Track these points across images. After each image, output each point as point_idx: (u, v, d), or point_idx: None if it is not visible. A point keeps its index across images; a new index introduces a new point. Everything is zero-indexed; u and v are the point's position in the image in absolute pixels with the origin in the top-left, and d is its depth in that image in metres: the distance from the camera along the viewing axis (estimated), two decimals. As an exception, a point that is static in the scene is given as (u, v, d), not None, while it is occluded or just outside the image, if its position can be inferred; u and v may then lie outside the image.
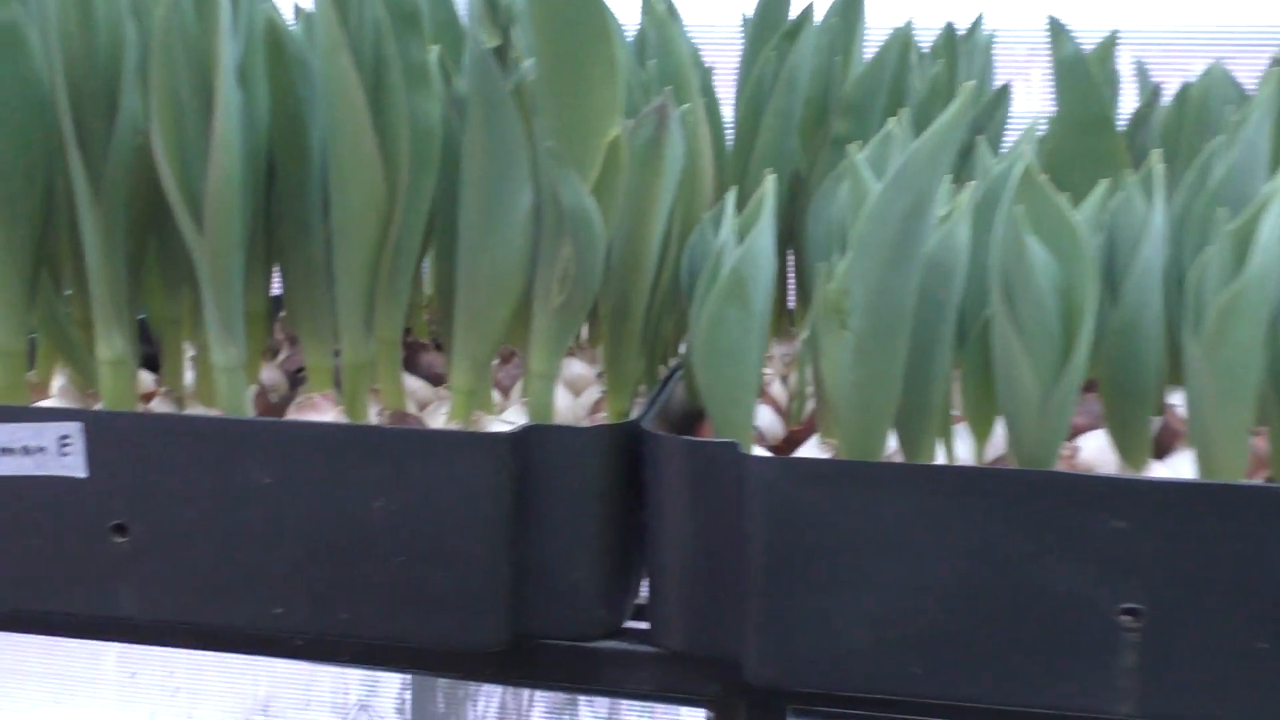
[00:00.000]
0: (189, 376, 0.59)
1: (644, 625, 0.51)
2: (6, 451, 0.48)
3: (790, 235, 0.69)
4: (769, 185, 0.49)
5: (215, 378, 0.48)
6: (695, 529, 0.46)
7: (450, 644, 0.48)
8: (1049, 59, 0.71)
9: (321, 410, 0.55)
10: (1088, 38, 0.72)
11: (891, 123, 0.51)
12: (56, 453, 0.48)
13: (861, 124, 0.66)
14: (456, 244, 0.49)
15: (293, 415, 0.54)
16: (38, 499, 0.49)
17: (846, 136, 0.66)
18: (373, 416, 0.55)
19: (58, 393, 0.57)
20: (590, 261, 0.46)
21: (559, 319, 0.47)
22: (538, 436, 0.47)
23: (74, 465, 0.48)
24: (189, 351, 0.59)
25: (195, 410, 0.54)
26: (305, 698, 1.59)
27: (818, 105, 0.69)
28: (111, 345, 0.49)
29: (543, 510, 0.47)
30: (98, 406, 0.53)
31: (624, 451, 0.49)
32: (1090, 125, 0.67)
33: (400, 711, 1.54)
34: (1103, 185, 0.50)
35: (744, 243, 0.47)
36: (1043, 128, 0.69)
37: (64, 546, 0.49)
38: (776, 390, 0.64)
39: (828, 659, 0.45)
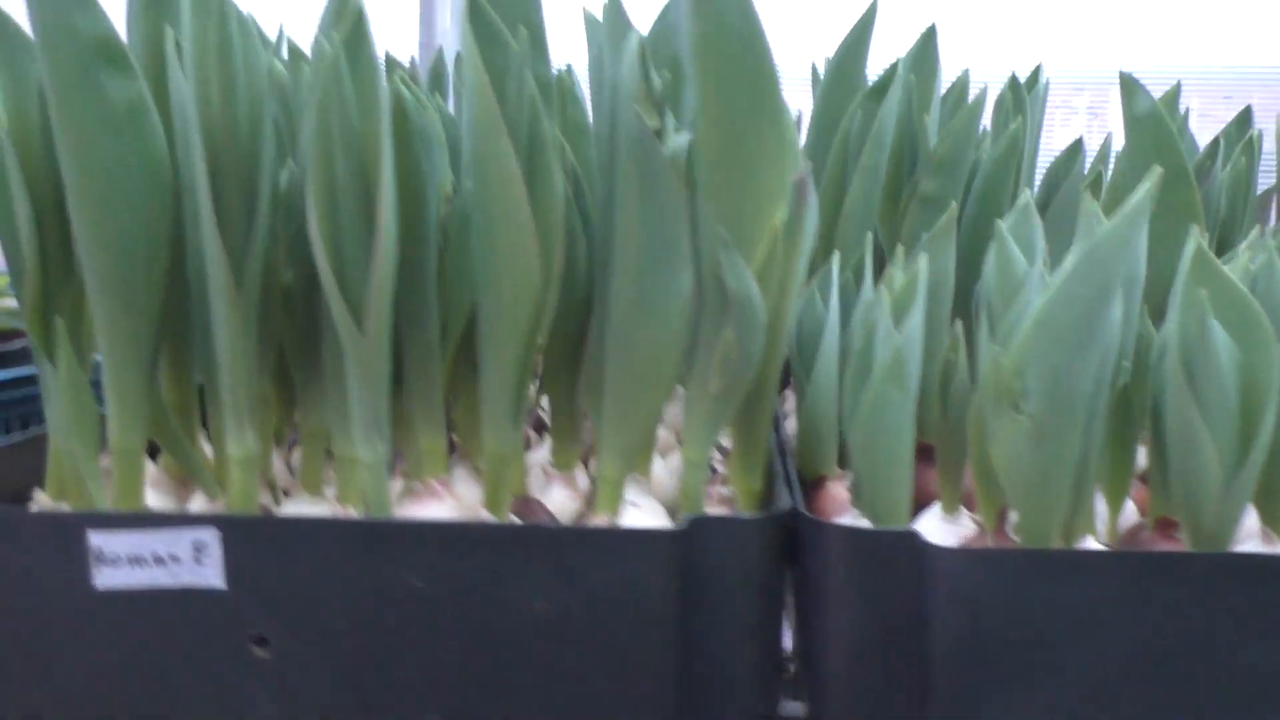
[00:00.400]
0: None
1: (795, 713, 0.50)
2: (137, 560, 0.46)
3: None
4: (923, 266, 0.48)
5: (359, 475, 0.46)
6: (865, 619, 0.45)
7: (614, 747, 0.46)
8: (1094, 97, 0.72)
9: (440, 498, 0.53)
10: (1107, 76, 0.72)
11: (1025, 195, 0.51)
12: (192, 561, 0.46)
13: (951, 181, 0.66)
14: (603, 328, 0.47)
15: (406, 506, 0.52)
16: (172, 612, 0.46)
17: (936, 195, 0.66)
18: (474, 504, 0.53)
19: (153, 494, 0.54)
20: (752, 346, 0.45)
21: (716, 405, 0.46)
22: (702, 529, 0.45)
23: (211, 575, 0.46)
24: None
25: (310, 508, 0.52)
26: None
27: (899, 161, 0.69)
28: (242, 442, 0.47)
29: (706, 604, 0.46)
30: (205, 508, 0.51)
31: (782, 540, 0.47)
32: (1168, 179, 0.68)
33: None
34: (1244, 250, 0.50)
35: (904, 326, 0.46)
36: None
37: (200, 660, 0.46)
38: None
39: (1014, 749, 0.44)
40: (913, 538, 0.44)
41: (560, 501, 0.56)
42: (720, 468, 0.61)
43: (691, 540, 0.45)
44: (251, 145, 0.44)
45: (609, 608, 0.45)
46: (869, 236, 0.61)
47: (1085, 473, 0.45)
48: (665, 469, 0.61)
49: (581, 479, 0.59)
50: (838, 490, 0.58)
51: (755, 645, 0.47)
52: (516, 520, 0.51)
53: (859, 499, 0.54)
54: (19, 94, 0.49)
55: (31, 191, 0.48)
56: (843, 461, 0.60)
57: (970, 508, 0.56)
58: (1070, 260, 0.42)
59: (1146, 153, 0.68)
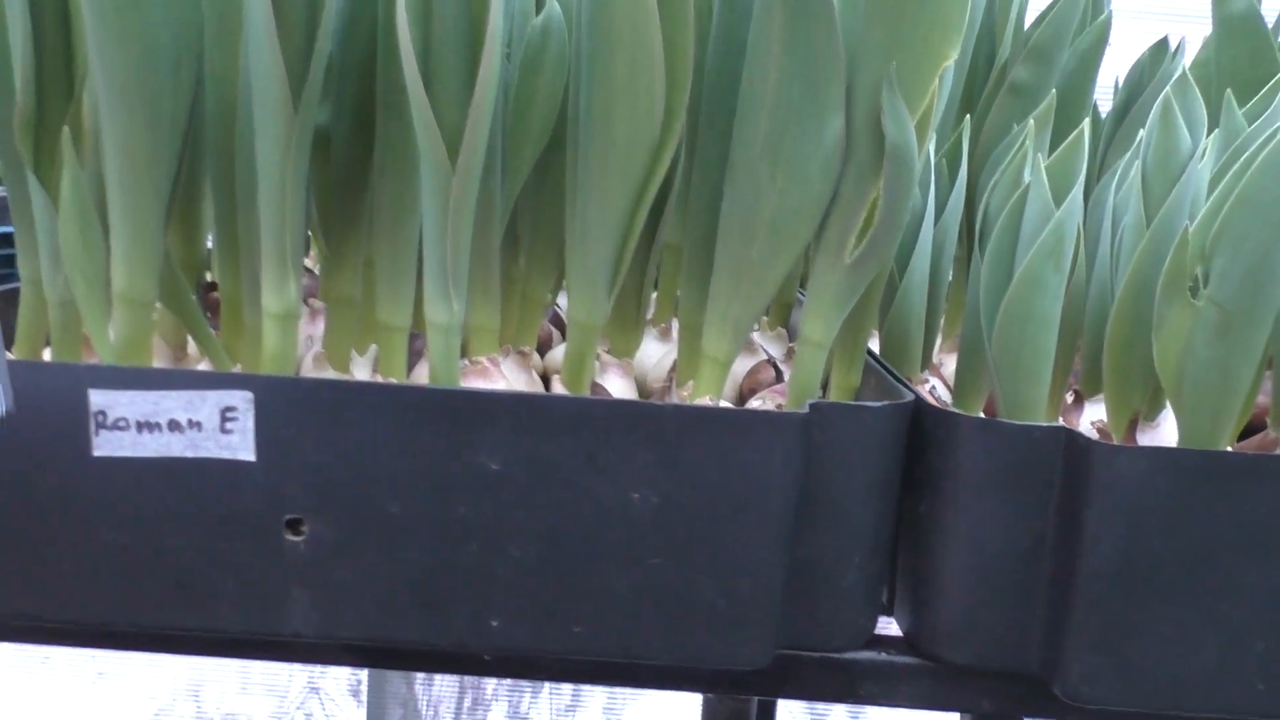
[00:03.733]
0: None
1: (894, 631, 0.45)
2: (150, 427, 0.38)
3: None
4: (1084, 132, 0.42)
5: (430, 337, 0.39)
6: (1001, 525, 0.40)
7: (710, 662, 0.40)
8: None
9: (493, 379, 0.46)
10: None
11: (1182, 68, 0.45)
12: (217, 429, 0.38)
13: (1047, 70, 0.60)
14: (710, 183, 0.41)
15: (460, 383, 0.44)
16: (190, 487, 0.38)
17: (1029, 83, 0.61)
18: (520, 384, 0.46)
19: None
20: (899, 210, 0.39)
21: (849, 277, 0.40)
22: (825, 416, 0.39)
23: (239, 445, 0.38)
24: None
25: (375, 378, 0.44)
26: (240, 680, 1.46)
27: (985, 47, 0.63)
28: (284, 295, 0.39)
29: (823, 502, 0.40)
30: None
31: (904, 434, 0.42)
32: (1258, 81, 0.63)
33: (355, 693, 1.43)
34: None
35: (1067, 200, 0.40)
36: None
37: (220, 547, 0.39)
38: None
39: (1166, 675, 0.39)
40: (1071, 435, 0.39)
41: (620, 391, 0.49)
42: (784, 367, 0.55)
43: (812, 428, 0.39)
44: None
45: (718, 501, 0.38)
46: (966, 120, 0.55)
47: (1260, 372, 0.40)
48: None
49: (641, 367, 0.52)
50: (924, 394, 0.52)
51: (868, 558, 0.41)
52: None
53: (964, 396, 0.48)
54: None
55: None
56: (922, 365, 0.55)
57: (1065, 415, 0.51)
58: (1287, 123, 0.36)
59: (1238, 58, 0.63)
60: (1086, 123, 0.42)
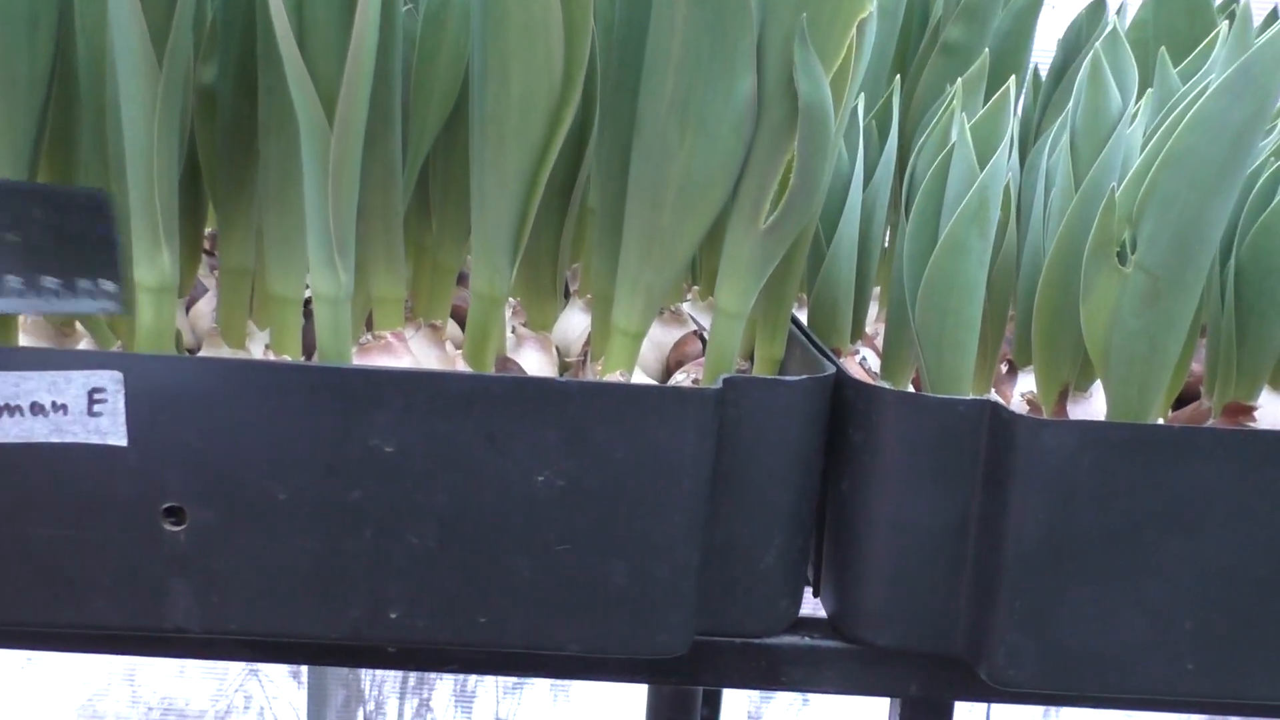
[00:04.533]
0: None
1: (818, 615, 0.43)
2: (10, 410, 0.35)
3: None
4: (1010, 91, 0.40)
5: (316, 310, 0.36)
6: (925, 502, 0.38)
7: (624, 650, 0.38)
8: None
9: (398, 355, 0.43)
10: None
11: (1113, 21, 0.44)
12: (84, 412, 0.35)
13: (979, 29, 0.58)
14: (619, 145, 0.38)
15: (360, 360, 0.42)
16: (57, 474, 0.35)
17: (961, 43, 0.59)
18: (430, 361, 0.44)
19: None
20: (816, 172, 0.37)
21: (764, 244, 0.38)
22: (739, 391, 0.37)
23: (108, 429, 0.35)
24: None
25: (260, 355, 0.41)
26: (177, 665, 1.42)
27: (919, 6, 0.61)
28: (157, 266, 0.36)
29: (737, 481, 0.38)
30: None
31: (824, 410, 0.40)
32: (1195, 41, 0.62)
33: (295, 675, 1.40)
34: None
35: (991, 162, 0.38)
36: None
37: (93, 538, 0.36)
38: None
39: (1093, 656, 0.38)
40: (996, 408, 0.37)
41: (536, 366, 0.47)
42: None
43: (727, 404, 0.37)
44: None
45: (628, 482, 0.36)
46: (896, 80, 0.53)
47: (1190, 342, 0.39)
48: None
49: (564, 340, 0.50)
50: (852, 366, 0.50)
51: (788, 538, 0.39)
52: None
53: (891, 369, 0.46)
54: None
55: None
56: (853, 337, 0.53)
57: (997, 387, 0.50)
58: (1219, 81, 0.34)
59: (1175, 17, 0.62)
60: (1012, 80, 0.41)
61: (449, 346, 0.47)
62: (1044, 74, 0.66)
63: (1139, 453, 0.36)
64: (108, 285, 0.36)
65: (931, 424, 0.38)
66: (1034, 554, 0.37)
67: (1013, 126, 0.40)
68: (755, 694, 1.49)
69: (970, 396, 0.38)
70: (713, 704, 0.91)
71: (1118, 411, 0.38)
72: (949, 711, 0.62)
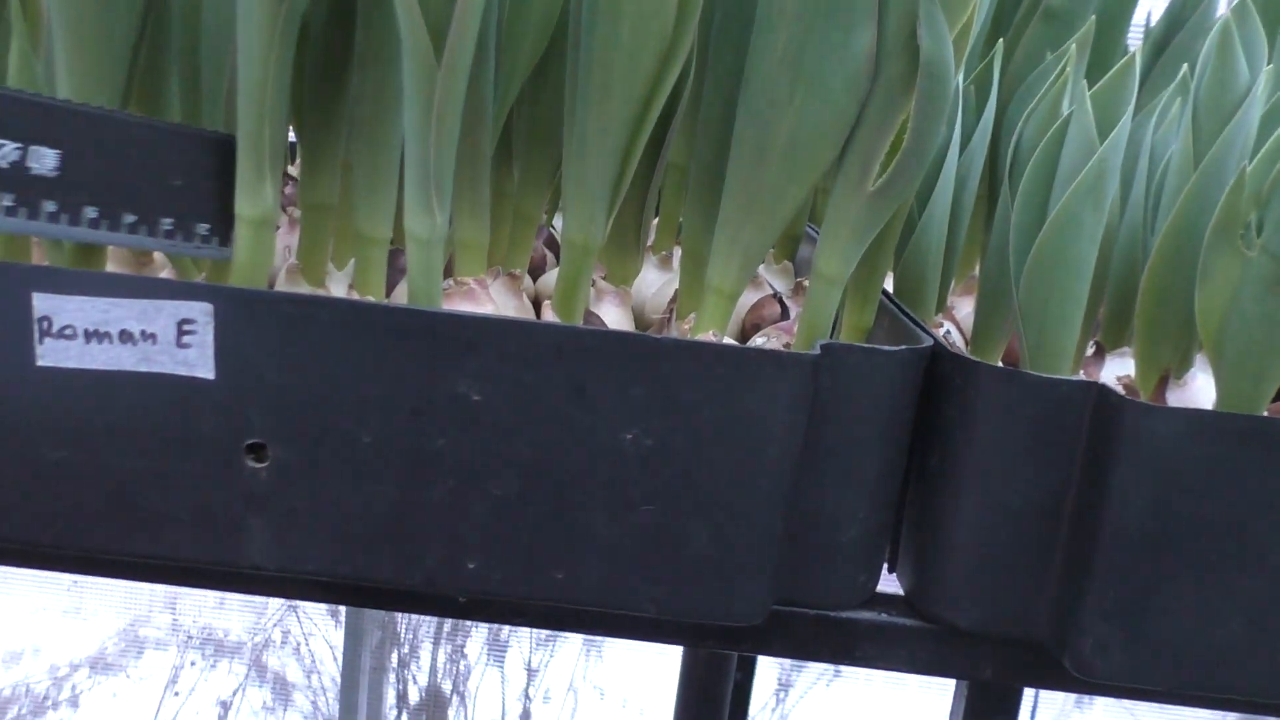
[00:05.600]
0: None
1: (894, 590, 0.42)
2: (99, 336, 0.34)
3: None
4: (1135, 59, 0.38)
5: (410, 252, 0.35)
6: (1021, 485, 0.37)
7: (700, 616, 0.37)
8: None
9: (480, 302, 0.43)
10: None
11: (1243, -8, 0.41)
12: (172, 342, 0.35)
13: (1084, -4, 0.56)
14: (722, 98, 0.37)
15: (444, 305, 0.41)
16: (141, 404, 0.35)
17: (1063, 9, 0.57)
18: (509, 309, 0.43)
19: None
20: (930, 135, 0.35)
21: (871, 208, 0.36)
22: (836, 358, 0.36)
23: (196, 361, 0.35)
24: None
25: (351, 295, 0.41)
26: (218, 596, 1.45)
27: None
28: (259, 198, 0.35)
29: (828, 450, 0.37)
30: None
31: (918, 383, 0.38)
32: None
33: (334, 614, 1.42)
34: None
35: (1112, 134, 0.37)
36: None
37: (174, 470, 0.36)
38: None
39: (1185, 652, 0.37)
40: (1103, 391, 0.36)
41: (615, 320, 0.46)
42: (790, 303, 0.51)
43: (821, 371, 0.36)
44: None
45: (717, 445, 0.35)
46: (999, 44, 0.51)
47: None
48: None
49: (639, 296, 0.49)
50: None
51: (872, 511, 0.38)
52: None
53: (982, 342, 0.45)
54: None
55: None
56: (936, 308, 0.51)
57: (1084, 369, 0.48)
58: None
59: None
60: (1137, 49, 0.39)
61: (524, 297, 0.47)
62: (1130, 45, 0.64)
63: (1252, 445, 0.34)
64: (207, 228, 0.35)
65: (1032, 403, 0.37)
66: (1132, 543, 0.36)
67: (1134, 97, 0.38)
68: (787, 661, 1.49)
69: (1075, 377, 0.37)
70: (746, 668, 0.90)
71: (1229, 401, 0.37)
72: (1017, 696, 0.61)
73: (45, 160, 0.33)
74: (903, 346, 0.37)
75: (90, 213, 0.34)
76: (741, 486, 0.36)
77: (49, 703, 1.51)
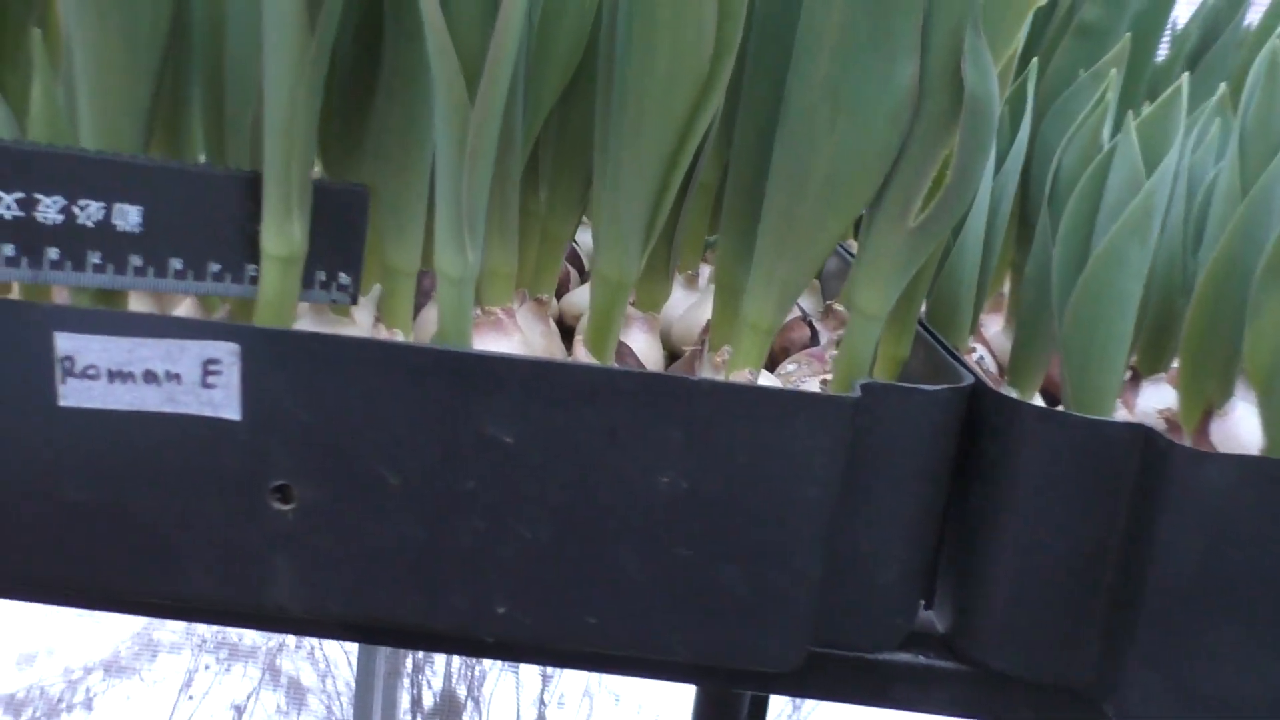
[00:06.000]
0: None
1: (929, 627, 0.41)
2: (123, 376, 0.34)
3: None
4: (1182, 88, 0.37)
5: (441, 290, 0.35)
6: (1064, 528, 0.36)
7: (735, 661, 0.37)
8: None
9: (507, 333, 0.42)
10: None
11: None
12: (198, 383, 0.34)
13: (1118, 11, 0.55)
14: (756, 127, 0.36)
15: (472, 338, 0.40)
16: (166, 445, 0.34)
17: (1098, 24, 0.55)
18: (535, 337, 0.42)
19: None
20: (975, 171, 0.34)
21: (912, 244, 0.35)
22: (877, 399, 0.35)
23: (221, 401, 0.34)
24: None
25: (388, 335, 0.40)
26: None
27: (1051, -15, 0.57)
28: (287, 235, 0.34)
29: (864, 493, 0.36)
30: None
31: (958, 422, 0.38)
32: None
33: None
34: None
35: (1160, 167, 0.36)
36: None
37: (198, 513, 0.35)
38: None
39: (1236, 704, 0.36)
40: (1150, 435, 0.35)
41: (643, 347, 0.45)
42: (819, 326, 0.50)
43: (861, 412, 0.35)
44: None
45: (754, 488, 0.34)
46: (1033, 64, 0.50)
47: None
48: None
49: (665, 319, 0.48)
50: (973, 367, 0.48)
51: (911, 552, 0.38)
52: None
53: (1019, 374, 0.44)
54: None
55: None
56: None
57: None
58: None
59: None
60: (1185, 77, 0.38)
61: (550, 322, 0.46)
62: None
63: (1306, 491, 0.33)
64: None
65: (1076, 445, 0.36)
66: (1180, 591, 0.35)
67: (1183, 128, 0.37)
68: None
69: (1120, 419, 0.36)
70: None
71: (1278, 445, 0.36)
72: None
73: (129, 216, 0.33)
74: (943, 386, 0.36)
75: (176, 264, 0.35)
76: (779, 530, 0.35)
77: (63, 705, 1.51)
